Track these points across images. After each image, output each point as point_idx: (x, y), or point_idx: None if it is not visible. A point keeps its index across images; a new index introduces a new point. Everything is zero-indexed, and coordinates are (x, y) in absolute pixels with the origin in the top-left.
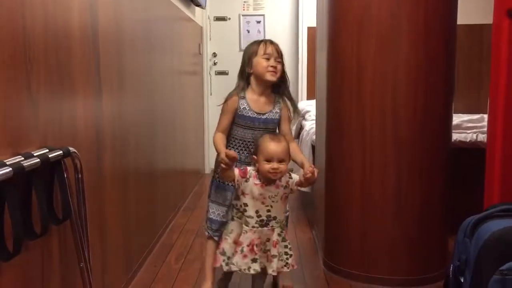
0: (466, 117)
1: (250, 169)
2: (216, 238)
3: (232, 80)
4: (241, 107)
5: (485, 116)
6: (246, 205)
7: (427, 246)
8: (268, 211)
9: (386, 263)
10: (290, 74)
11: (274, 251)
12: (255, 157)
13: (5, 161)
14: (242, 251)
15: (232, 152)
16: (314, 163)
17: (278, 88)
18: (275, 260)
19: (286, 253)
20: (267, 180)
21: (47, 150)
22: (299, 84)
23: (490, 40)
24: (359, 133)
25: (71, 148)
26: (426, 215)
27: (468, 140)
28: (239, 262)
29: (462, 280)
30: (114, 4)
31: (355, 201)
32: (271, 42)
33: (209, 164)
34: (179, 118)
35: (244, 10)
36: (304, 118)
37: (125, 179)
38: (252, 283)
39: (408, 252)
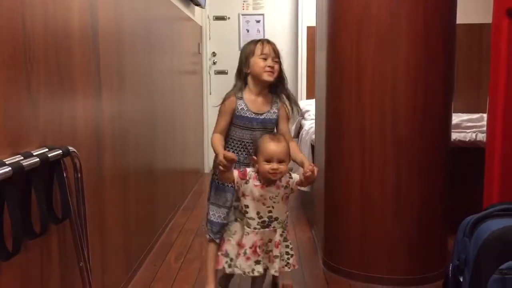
0: (465, 116)
1: (249, 170)
2: (217, 241)
3: (231, 79)
4: (239, 108)
5: (485, 115)
6: (247, 206)
7: (426, 246)
8: (270, 212)
9: (386, 262)
10: (290, 73)
11: (276, 252)
12: (254, 157)
13: (4, 160)
14: (245, 253)
15: (230, 154)
16: (313, 163)
17: (276, 88)
18: (277, 260)
19: (287, 253)
20: (267, 181)
21: (47, 150)
22: (299, 83)
23: (489, 39)
24: (359, 133)
25: (70, 148)
26: (426, 215)
27: (467, 140)
28: (243, 265)
29: (461, 280)
30: (114, 4)
31: (355, 201)
32: (268, 41)
33: (209, 163)
34: (179, 118)
35: (243, 9)
36: (303, 118)
37: (125, 178)
38: (252, 282)
39: (407, 252)
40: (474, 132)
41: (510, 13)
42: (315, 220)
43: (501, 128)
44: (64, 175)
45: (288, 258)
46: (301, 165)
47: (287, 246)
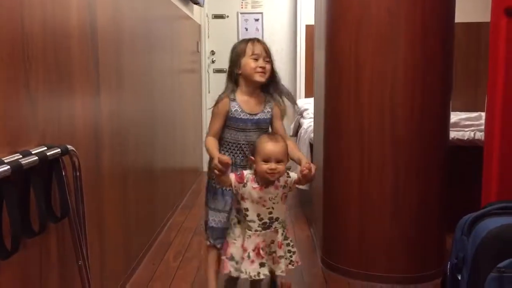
0: (464, 115)
1: (247, 173)
2: (219, 246)
3: None
4: (233, 110)
5: (483, 114)
6: (246, 209)
7: (424, 245)
8: (270, 213)
9: (384, 261)
10: (288, 71)
11: (280, 252)
12: (252, 158)
13: (3, 159)
14: (249, 256)
15: (225, 158)
16: (312, 161)
17: (268, 88)
18: (283, 260)
19: (289, 251)
20: (265, 182)
21: (45, 148)
22: (297, 82)
23: (487, 38)
24: (357, 132)
25: (69, 146)
26: (424, 214)
27: (465, 138)
28: (248, 269)
29: (459, 278)
30: (113, 2)
31: (353, 200)
32: (259, 41)
33: (207, 162)
34: (178, 116)
35: (242, 8)
36: (302, 116)
37: (124, 177)
38: (251, 282)
39: (406, 251)
40: (473, 130)
41: (508, 12)
42: (313, 219)
43: (499, 126)
44: (63, 173)
45: (291, 256)
46: (298, 162)
47: (288, 245)
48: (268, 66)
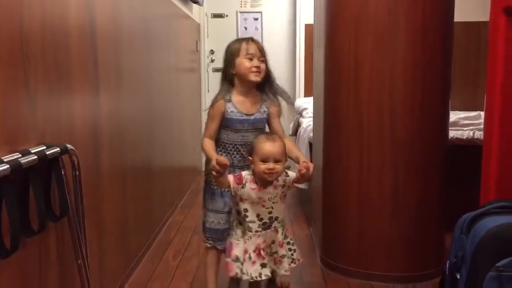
0: (463, 114)
1: (245, 174)
2: (220, 247)
3: None
4: (229, 111)
5: (482, 113)
6: (246, 210)
7: (424, 245)
8: (270, 213)
9: (383, 260)
10: (288, 71)
11: (282, 251)
12: (250, 158)
13: (2, 158)
14: (250, 258)
15: (223, 159)
16: (311, 161)
17: (263, 87)
18: (285, 259)
19: (290, 249)
20: (264, 182)
21: (45, 147)
22: (297, 81)
23: (487, 37)
24: (357, 130)
25: (68, 145)
26: (423, 214)
27: (464, 137)
28: (249, 270)
29: (458, 277)
30: (112, 1)
31: (352, 200)
32: (253, 40)
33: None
34: (177, 115)
35: (241, 7)
36: (301, 115)
37: (123, 176)
38: (250, 282)
39: (405, 250)
40: (472, 129)
41: (507, 11)
42: (313, 218)
43: (498, 125)
44: (62, 172)
45: (292, 254)
46: (296, 161)
47: (288, 243)
48: (263, 66)
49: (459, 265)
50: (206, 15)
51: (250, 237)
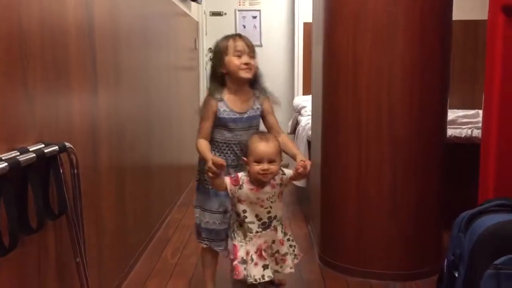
0: (461, 112)
1: (241, 175)
2: (217, 248)
3: None
4: (221, 110)
5: (480, 111)
6: (245, 211)
7: (422, 244)
8: (269, 212)
9: (382, 258)
10: (286, 69)
11: (284, 249)
12: (244, 159)
13: (0, 156)
14: (252, 259)
15: (219, 159)
16: (309, 159)
17: (255, 83)
18: (288, 257)
19: (290, 246)
20: (260, 182)
21: (43, 146)
22: (295, 79)
23: (485, 36)
24: (355, 128)
25: (67, 144)
26: (422, 213)
27: (463, 136)
28: (252, 272)
29: (456, 275)
30: None
31: (351, 198)
32: (240, 36)
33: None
34: (175, 113)
35: (240, 5)
36: (300, 114)
37: (121, 174)
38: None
39: (403, 249)
40: (470, 128)
41: (505, 9)
42: (311, 216)
43: (497, 124)
44: (61, 171)
45: (293, 250)
46: (293, 157)
47: (288, 240)
48: (252, 62)
49: (457, 263)
50: (205, 13)
51: (251, 238)
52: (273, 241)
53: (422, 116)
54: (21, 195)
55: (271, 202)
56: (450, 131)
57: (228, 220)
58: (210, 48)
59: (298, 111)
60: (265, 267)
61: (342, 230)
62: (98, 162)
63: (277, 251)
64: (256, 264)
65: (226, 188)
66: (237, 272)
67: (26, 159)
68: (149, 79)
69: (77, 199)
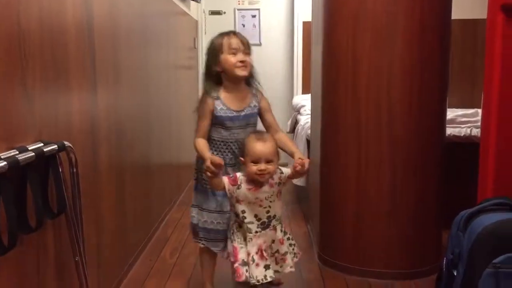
0: (460, 111)
1: (239, 175)
2: (215, 249)
3: None
4: (218, 108)
5: (479, 110)
6: (243, 212)
7: (421, 243)
8: (268, 212)
9: (381, 258)
10: (286, 68)
11: (284, 249)
12: (242, 159)
13: None
14: (253, 260)
15: (218, 159)
16: (309, 158)
17: (251, 80)
18: (288, 256)
19: (290, 245)
20: (258, 182)
21: (42, 144)
22: (294, 78)
23: (484, 35)
24: (355, 127)
25: (66, 142)
26: (421, 212)
27: (462, 135)
28: (255, 273)
29: (455, 274)
30: None
31: (350, 197)
32: (235, 33)
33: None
34: (175, 112)
35: (239, 4)
36: (299, 113)
37: (121, 173)
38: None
39: (402, 248)
40: (469, 127)
41: (504, 8)
42: (310, 215)
43: (496, 123)
44: (60, 170)
45: (293, 249)
46: (291, 155)
47: (288, 239)
48: (248, 59)
49: (456, 262)
50: (204, 12)
51: (251, 238)
52: (273, 241)
53: (421, 115)
54: (20, 194)
55: (270, 201)
56: (449, 130)
57: (227, 221)
58: None
59: (297, 110)
60: (266, 267)
61: (341, 229)
62: (98, 161)
63: (277, 251)
64: (257, 265)
65: (224, 188)
66: (238, 275)
67: (25, 158)
68: (148, 78)
69: (76, 198)
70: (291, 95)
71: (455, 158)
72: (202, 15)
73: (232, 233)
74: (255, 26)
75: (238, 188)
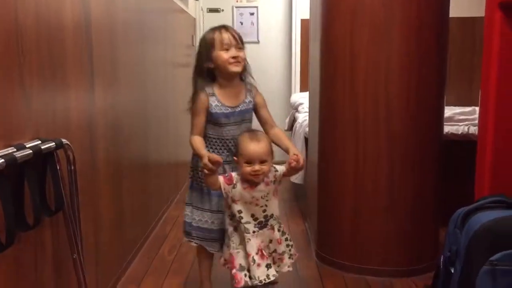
0: (458, 109)
1: (234, 174)
2: (210, 249)
3: None
4: (213, 105)
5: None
6: (240, 211)
7: (419, 239)
8: (264, 211)
9: (379, 255)
10: (284, 66)
11: (281, 248)
12: (235, 158)
13: None
14: (254, 261)
15: (215, 156)
16: (307, 155)
17: (245, 75)
18: (286, 255)
19: (287, 245)
20: (253, 181)
21: (40, 142)
22: (292, 76)
23: (482, 33)
24: (352, 123)
25: (63, 140)
26: (419, 208)
27: (459, 133)
28: (256, 274)
29: (452, 271)
30: None
31: (348, 193)
32: (227, 28)
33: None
34: (172, 109)
35: (237, 1)
36: (297, 110)
37: (118, 170)
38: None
39: (400, 245)
40: (467, 125)
41: (502, 6)
42: (308, 213)
43: (493, 121)
44: (57, 167)
45: (290, 250)
46: (286, 151)
47: (286, 239)
48: (241, 54)
49: (453, 259)
50: (202, 9)
51: (249, 239)
52: (270, 241)
53: (419, 111)
54: (17, 192)
55: (266, 200)
56: (447, 128)
57: (222, 221)
58: None
59: (295, 108)
60: (268, 266)
61: (338, 226)
62: (95, 158)
63: (275, 250)
64: (258, 265)
65: (219, 188)
66: (237, 281)
67: (22, 155)
68: (146, 75)
69: (74, 195)
70: (289, 93)
71: (453, 156)
72: (200, 13)
73: (228, 239)
74: (253, 24)
75: (234, 188)
